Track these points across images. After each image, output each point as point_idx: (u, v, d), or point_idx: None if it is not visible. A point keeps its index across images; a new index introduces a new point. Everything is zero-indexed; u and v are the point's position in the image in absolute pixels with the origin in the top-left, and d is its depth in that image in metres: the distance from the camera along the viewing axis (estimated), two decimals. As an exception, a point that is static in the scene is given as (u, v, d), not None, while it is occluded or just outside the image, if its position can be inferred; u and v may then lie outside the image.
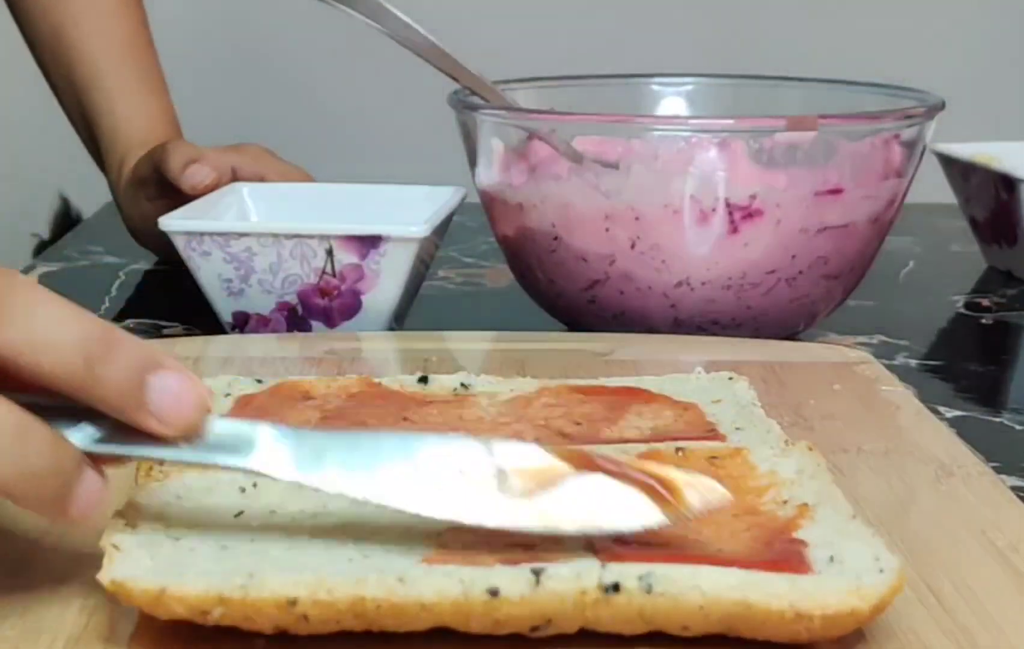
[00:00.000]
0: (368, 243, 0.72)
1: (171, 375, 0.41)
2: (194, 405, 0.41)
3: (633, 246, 0.72)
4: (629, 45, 1.59)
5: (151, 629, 0.40)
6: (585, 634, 0.40)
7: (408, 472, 0.43)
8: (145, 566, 0.41)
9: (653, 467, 0.44)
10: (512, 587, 0.39)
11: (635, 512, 0.42)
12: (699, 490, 0.43)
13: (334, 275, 0.72)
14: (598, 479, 0.43)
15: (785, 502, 0.46)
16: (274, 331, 0.74)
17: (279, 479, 0.42)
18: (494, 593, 0.39)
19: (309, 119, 1.59)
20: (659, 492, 0.42)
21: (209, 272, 0.73)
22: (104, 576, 0.40)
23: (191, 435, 0.41)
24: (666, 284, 0.72)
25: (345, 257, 0.72)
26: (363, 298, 0.73)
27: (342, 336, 0.72)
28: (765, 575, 0.40)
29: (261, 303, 0.74)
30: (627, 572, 0.39)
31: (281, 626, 0.39)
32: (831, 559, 0.41)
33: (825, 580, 0.40)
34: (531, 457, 0.43)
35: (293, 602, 0.39)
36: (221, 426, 0.42)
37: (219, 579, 0.39)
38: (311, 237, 0.72)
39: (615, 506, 0.42)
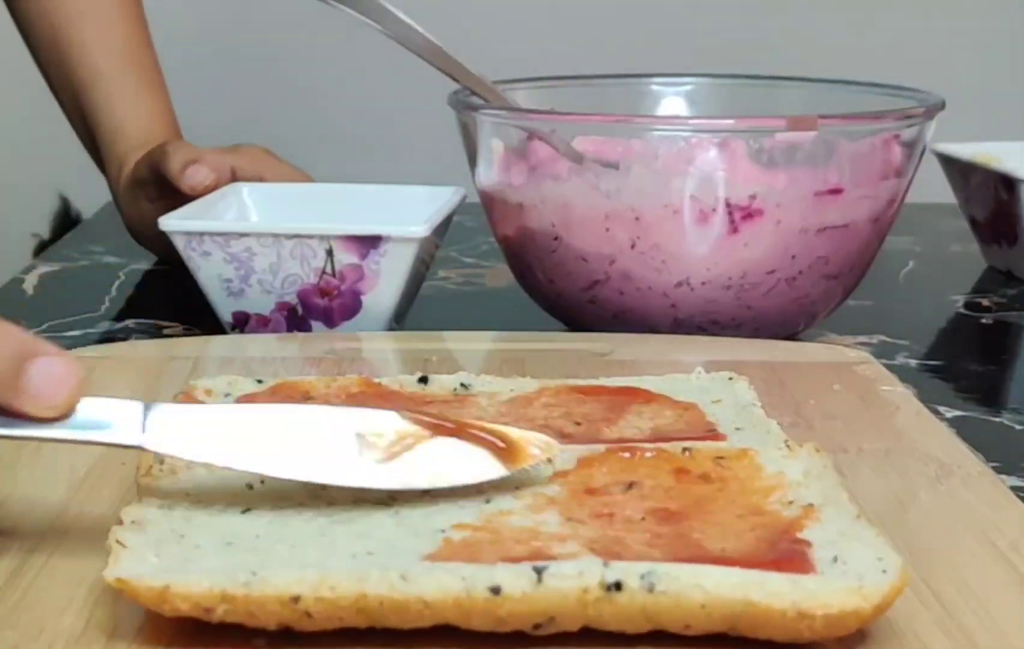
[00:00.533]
0: (368, 243, 0.72)
1: (48, 361, 0.44)
2: (69, 388, 0.44)
3: (633, 246, 0.72)
4: (629, 45, 1.59)
5: (153, 629, 0.40)
6: (587, 632, 0.40)
7: (272, 440, 0.46)
8: (150, 563, 0.41)
9: (492, 426, 0.49)
10: (514, 585, 0.39)
11: (480, 468, 0.47)
12: (535, 443, 0.48)
13: (334, 275, 0.72)
14: (449, 442, 0.47)
15: (791, 503, 0.46)
16: (274, 331, 0.74)
17: (128, 446, 0.45)
18: (496, 591, 0.39)
19: (309, 119, 1.59)
20: (502, 448, 0.47)
21: (209, 272, 0.73)
22: (109, 573, 0.40)
23: (65, 414, 0.44)
24: (666, 284, 0.72)
25: (345, 257, 0.72)
26: (363, 298, 0.73)
27: (342, 336, 0.72)
28: (767, 574, 0.40)
29: (261, 303, 0.74)
30: (629, 570, 0.40)
31: (285, 622, 0.39)
32: (834, 559, 0.42)
33: (828, 580, 0.40)
34: (387, 423, 0.48)
35: (296, 599, 0.39)
36: (95, 405, 0.45)
37: (223, 576, 0.40)
38: (311, 237, 0.72)
39: (462, 464, 0.47)
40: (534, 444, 0.48)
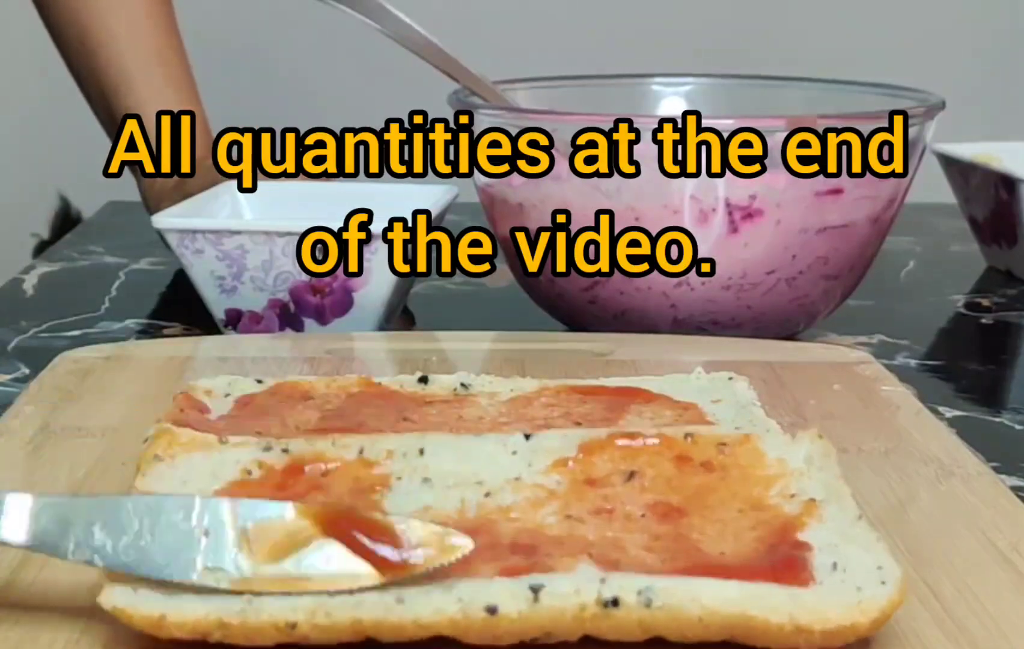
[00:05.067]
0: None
1: None
2: None
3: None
4: (629, 45, 1.59)
5: (150, 638, 0.40)
6: (586, 640, 0.40)
7: (148, 535, 0.42)
8: (145, 589, 0.40)
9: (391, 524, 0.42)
10: (510, 604, 0.39)
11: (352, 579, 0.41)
12: (437, 547, 0.41)
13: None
14: (334, 547, 0.42)
15: (793, 496, 0.45)
16: (267, 328, 0.74)
17: (12, 544, 0.42)
18: (492, 611, 0.39)
19: (308, 119, 1.59)
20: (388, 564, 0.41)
21: (202, 270, 0.73)
22: (105, 600, 0.40)
23: None
24: (666, 284, 0.72)
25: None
26: (355, 295, 0.73)
27: (341, 336, 0.72)
28: (765, 587, 0.40)
29: (254, 300, 0.74)
30: (626, 586, 0.39)
31: (282, 645, 0.39)
32: (834, 567, 0.41)
33: (825, 593, 0.40)
34: (277, 518, 0.42)
35: (293, 625, 0.39)
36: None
37: (218, 604, 0.39)
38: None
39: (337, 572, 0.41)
40: (437, 542, 0.42)
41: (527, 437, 0.48)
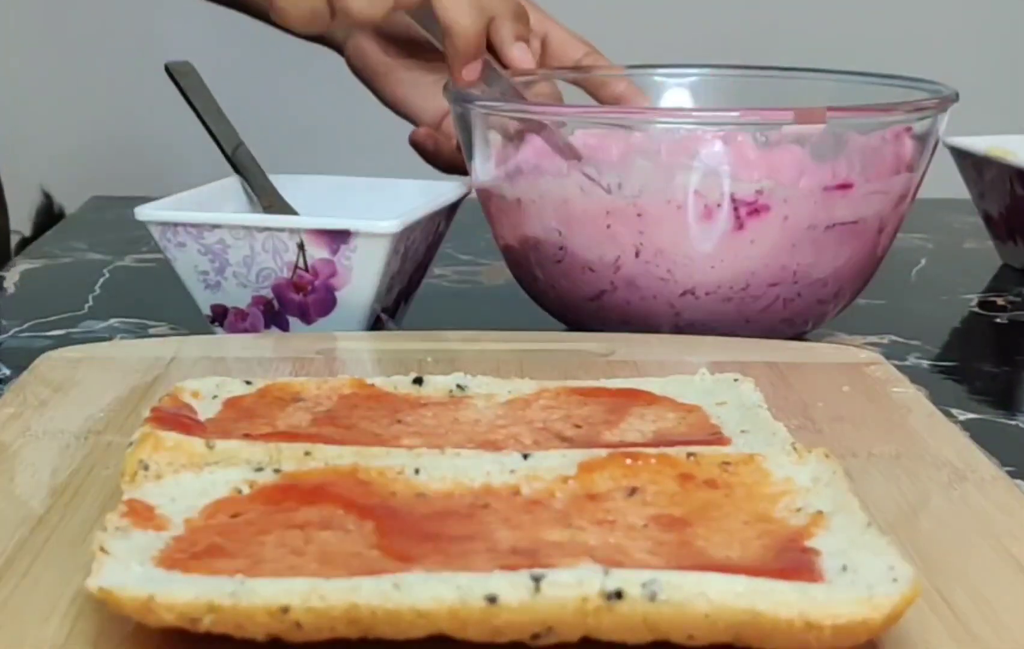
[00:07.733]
0: (338, 238, 0.71)
1: None
2: None
3: (638, 254, 0.70)
4: (631, 36, 1.58)
5: (139, 638, 0.40)
6: (588, 643, 0.39)
7: None
8: (134, 572, 0.40)
9: None
10: (511, 593, 0.38)
11: None
12: None
13: (307, 270, 0.71)
14: None
15: (799, 510, 0.45)
16: (252, 325, 0.74)
17: None
18: (492, 600, 0.38)
19: (313, 119, 1.58)
20: None
21: (185, 264, 0.73)
22: (92, 583, 0.39)
23: None
24: (671, 294, 0.71)
25: (316, 252, 0.71)
26: (337, 294, 0.72)
27: (334, 336, 0.71)
28: (774, 583, 0.39)
29: (237, 296, 0.73)
30: (630, 579, 0.39)
31: (274, 633, 0.39)
32: (844, 568, 0.41)
33: (836, 589, 0.39)
34: None
35: (285, 609, 0.38)
36: None
37: (210, 586, 0.39)
38: (281, 230, 0.71)
39: None
40: None
41: (525, 457, 0.48)
